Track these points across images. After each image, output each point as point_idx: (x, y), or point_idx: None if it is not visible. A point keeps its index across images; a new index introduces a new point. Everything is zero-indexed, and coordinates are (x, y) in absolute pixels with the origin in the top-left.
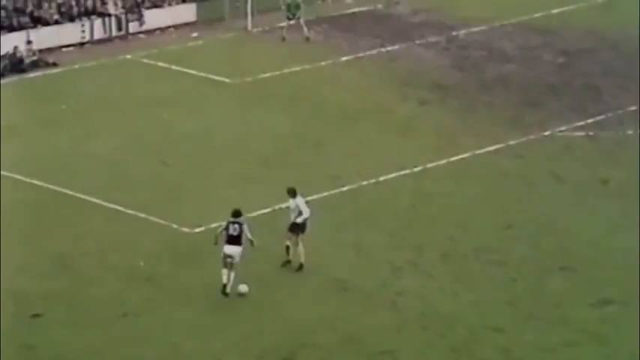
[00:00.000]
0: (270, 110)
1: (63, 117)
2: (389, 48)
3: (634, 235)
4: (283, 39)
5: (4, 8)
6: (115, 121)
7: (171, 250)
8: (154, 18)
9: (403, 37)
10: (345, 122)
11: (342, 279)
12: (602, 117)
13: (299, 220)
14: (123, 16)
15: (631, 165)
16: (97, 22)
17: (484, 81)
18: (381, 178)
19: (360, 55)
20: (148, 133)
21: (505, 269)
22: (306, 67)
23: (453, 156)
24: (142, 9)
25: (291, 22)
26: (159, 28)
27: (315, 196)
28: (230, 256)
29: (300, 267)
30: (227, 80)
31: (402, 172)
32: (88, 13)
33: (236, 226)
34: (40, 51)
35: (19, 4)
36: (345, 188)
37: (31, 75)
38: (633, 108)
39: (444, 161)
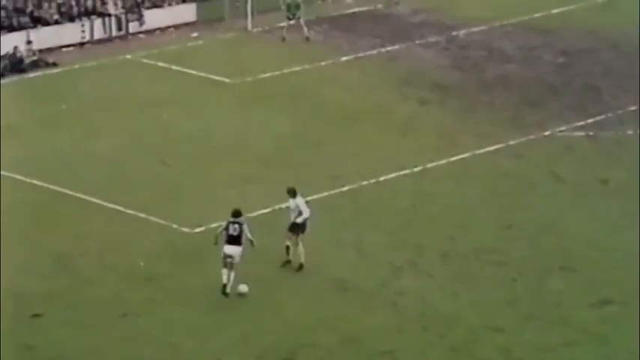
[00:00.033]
0: (270, 110)
1: (63, 117)
2: (389, 48)
3: (634, 235)
4: (283, 39)
5: (4, 8)
6: (115, 121)
7: (172, 250)
8: (154, 18)
9: (403, 37)
10: (345, 122)
11: (342, 279)
12: (602, 117)
13: (299, 220)
14: (123, 16)
15: (631, 165)
16: (97, 22)
17: (484, 81)
18: (381, 178)
19: (360, 55)
20: (148, 133)
21: (505, 269)
22: (306, 67)
23: (453, 156)
24: (142, 9)
25: (291, 22)
26: (159, 28)
27: (315, 196)
28: (230, 256)
29: (300, 267)
30: (227, 80)
31: (402, 172)
32: (88, 13)
33: (236, 226)
34: (40, 51)
35: (19, 4)
36: (345, 188)
37: (31, 75)
38: (633, 108)
39: (444, 161)
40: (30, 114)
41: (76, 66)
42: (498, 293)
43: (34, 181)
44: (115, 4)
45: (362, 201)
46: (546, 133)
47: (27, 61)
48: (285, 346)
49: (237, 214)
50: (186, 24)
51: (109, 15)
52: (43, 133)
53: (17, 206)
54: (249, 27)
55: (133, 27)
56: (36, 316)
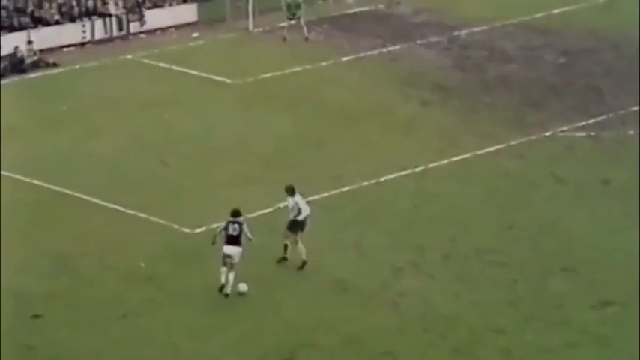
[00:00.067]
0: (271, 110)
1: (63, 117)
2: (390, 48)
3: (635, 235)
4: (284, 39)
5: (5, 8)
6: (116, 121)
7: (172, 250)
8: (154, 18)
9: (404, 38)
10: (346, 122)
11: (342, 279)
12: (603, 117)
13: (300, 217)
14: (124, 17)
15: (632, 165)
16: (98, 22)
17: (485, 81)
18: (382, 179)
19: (362, 55)
20: (149, 133)
21: (506, 270)
22: (307, 67)
23: (454, 156)
24: (143, 9)
25: (292, 22)
26: (160, 29)
27: (315, 197)
28: (229, 256)
29: (303, 264)
30: (228, 80)
31: (404, 173)
32: (89, 13)
33: (235, 226)
34: (41, 51)
35: (20, 4)
36: (346, 188)
37: (32, 75)
38: (634, 108)
39: (445, 161)
40: (30, 114)
41: (77, 66)
42: (499, 294)
43: (34, 181)
44: (116, 5)
45: (363, 201)
46: (547, 134)
47: (28, 61)
48: (286, 346)
49: (236, 214)
50: (187, 24)
51: (110, 15)
52: (43, 134)
53: (17, 206)
54: (250, 27)
55: (134, 27)
56: (36, 316)
